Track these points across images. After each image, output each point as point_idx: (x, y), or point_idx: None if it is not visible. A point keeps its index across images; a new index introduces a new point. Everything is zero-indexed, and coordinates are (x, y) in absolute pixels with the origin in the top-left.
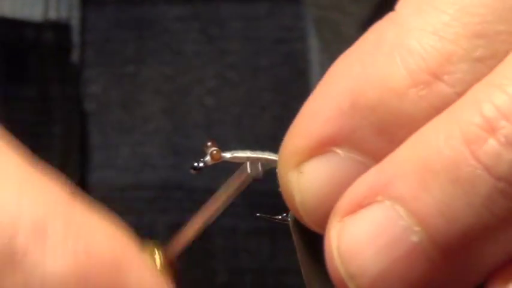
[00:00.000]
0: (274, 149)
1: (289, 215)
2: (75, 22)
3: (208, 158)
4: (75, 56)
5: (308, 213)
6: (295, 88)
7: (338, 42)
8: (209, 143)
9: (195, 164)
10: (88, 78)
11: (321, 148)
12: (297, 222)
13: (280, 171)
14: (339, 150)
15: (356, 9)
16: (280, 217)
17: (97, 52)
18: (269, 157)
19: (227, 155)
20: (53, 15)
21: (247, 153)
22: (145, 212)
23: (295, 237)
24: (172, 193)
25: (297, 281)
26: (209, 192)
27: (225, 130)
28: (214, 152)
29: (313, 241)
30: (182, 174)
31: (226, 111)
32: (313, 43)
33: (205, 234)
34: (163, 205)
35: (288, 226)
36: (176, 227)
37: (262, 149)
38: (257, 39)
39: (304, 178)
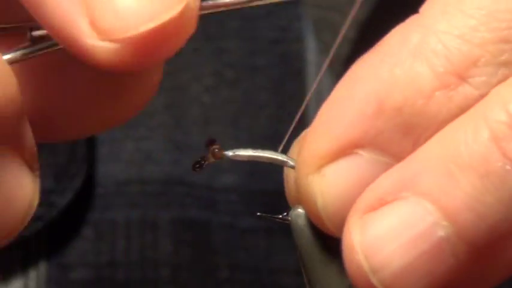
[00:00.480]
0: (270, 148)
1: (289, 214)
2: None
3: (209, 155)
4: None
5: (330, 216)
6: (292, 88)
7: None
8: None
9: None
10: None
11: (344, 151)
12: (300, 222)
13: (300, 174)
14: (363, 152)
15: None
16: (280, 216)
17: None
18: (271, 156)
19: (229, 153)
20: None
21: (249, 152)
22: (149, 206)
23: (296, 237)
24: (173, 188)
25: (291, 280)
26: (209, 188)
27: (222, 128)
28: (216, 150)
29: (317, 241)
30: (183, 169)
31: (223, 110)
32: (310, 44)
33: (207, 230)
34: (165, 200)
35: (287, 225)
36: (177, 222)
37: (259, 148)
38: (254, 39)
39: (326, 181)
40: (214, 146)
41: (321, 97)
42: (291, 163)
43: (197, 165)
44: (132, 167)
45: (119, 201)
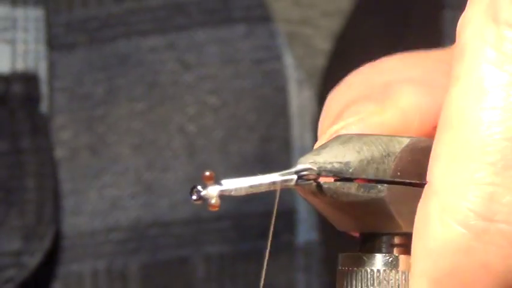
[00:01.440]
0: (264, 170)
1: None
2: (42, 71)
3: (207, 193)
4: (44, 106)
5: None
6: (277, 107)
7: (310, 57)
8: (207, 173)
9: (194, 198)
10: (59, 125)
11: None
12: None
13: None
14: None
15: (327, 23)
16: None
17: (68, 98)
18: (270, 180)
19: (230, 191)
20: (20, 66)
21: (247, 182)
22: (117, 254)
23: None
24: (144, 232)
25: None
26: (189, 223)
27: (210, 155)
28: (213, 202)
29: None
30: (156, 210)
31: (210, 137)
32: (288, 60)
33: (185, 269)
34: (135, 245)
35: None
36: (148, 267)
37: (251, 170)
38: (235, 62)
39: None
40: (211, 200)
41: (303, 111)
42: (293, 178)
43: (197, 200)
44: (96, 216)
45: (85, 252)
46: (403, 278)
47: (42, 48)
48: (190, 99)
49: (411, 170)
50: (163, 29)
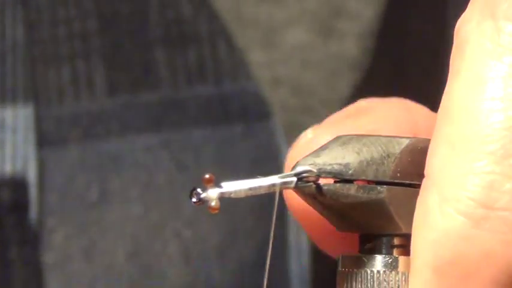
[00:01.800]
0: (261, 276)
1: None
2: (31, 173)
3: (207, 195)
4: (32, 212)
5: None
6: (278, 209)
7: None
8: (207, 176)
9: (194, 200)
10: (50, 228)
11: None
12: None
13: None
14: None
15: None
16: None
17: (59, 199)
18: (270, 182)
19: (229, 193)
20: (8, 169)
21: (246, 184)
22: None
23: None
24: None
25: None
26: None
27: (207, 262)
28: (213, 204)
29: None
30: None
31: (207, 242)
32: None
33: None
34: None
35: None
36: None
37: (249, 280)
38: (232, 163)
39: None
40: (211, 203)
41: None
42: (293, 180)
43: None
44: None
45: None
46: (403, 279)
47: (31, 149)
48: (185, 203)
49: (411, 171)
50: (158, 126)
